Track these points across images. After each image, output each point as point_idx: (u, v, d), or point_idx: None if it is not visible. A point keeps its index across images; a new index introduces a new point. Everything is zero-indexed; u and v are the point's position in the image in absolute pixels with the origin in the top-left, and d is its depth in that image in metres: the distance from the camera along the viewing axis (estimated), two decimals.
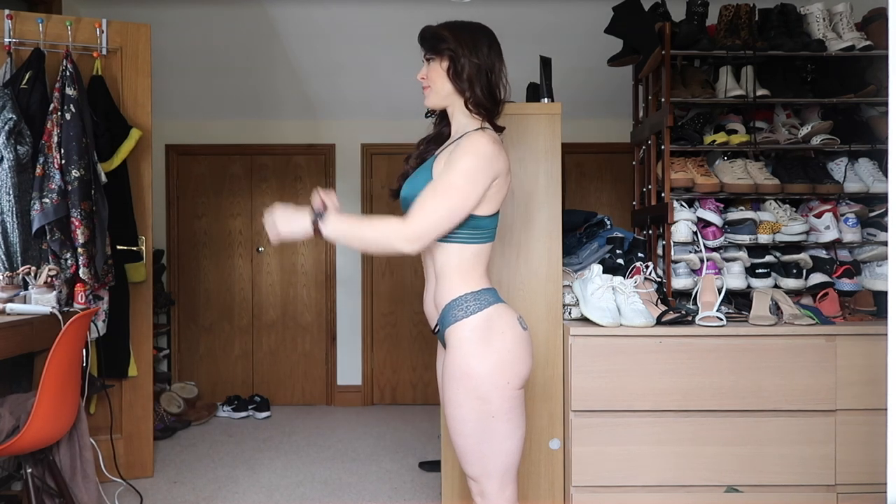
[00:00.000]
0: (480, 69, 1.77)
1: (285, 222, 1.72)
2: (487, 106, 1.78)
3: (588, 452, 2.43)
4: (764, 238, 2.77)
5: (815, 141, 2.84)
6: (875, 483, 2.41)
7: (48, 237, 2.96)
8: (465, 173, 1.67)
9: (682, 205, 2.81)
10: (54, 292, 2.72)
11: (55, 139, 3.00)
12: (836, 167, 2.89)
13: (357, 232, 1.72)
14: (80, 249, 3.00)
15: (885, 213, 2.78)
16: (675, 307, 2.62)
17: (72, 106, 3.03)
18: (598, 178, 5.22)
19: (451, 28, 1.82)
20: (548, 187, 2.50)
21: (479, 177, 1.68)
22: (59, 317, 2.58)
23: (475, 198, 1.69)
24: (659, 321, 2.46)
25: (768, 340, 2.44)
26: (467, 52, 1.77)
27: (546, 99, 2.60)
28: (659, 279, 2.68)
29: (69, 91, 3.05)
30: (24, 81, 3.06)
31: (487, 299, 1.75)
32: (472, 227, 1.74)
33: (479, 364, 1.72)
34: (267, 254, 5.22)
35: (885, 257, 2.74)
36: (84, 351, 2.52)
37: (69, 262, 3.00)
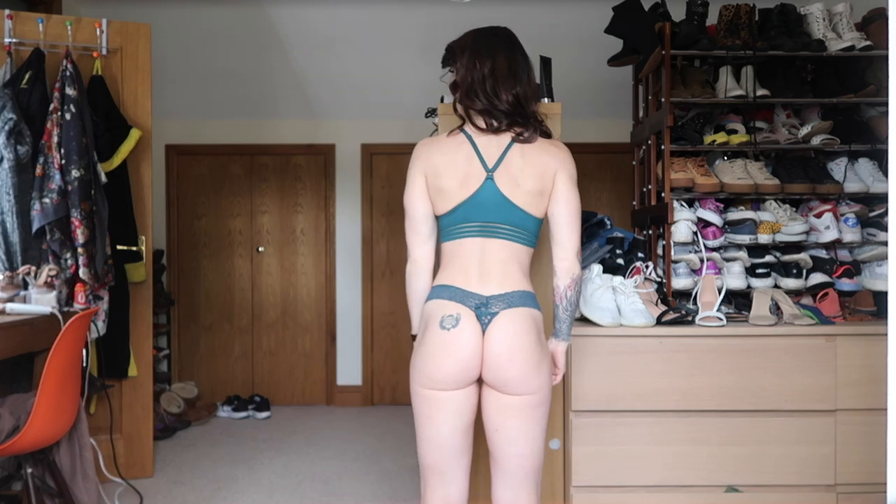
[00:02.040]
0: (459, 78, 1.85)
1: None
2: (458, 112, 1.88)
3: (588, 452, 2.43)
4: (764, 238, 2.77)
5: (815, 141, 2.84)
6: (875, 483, 2.40)
7: (48, 237, 2.96)
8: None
9: (682, 205, 2.81)
10: (54, 292, 2.71)
11: (55, 139, 3.00)
12: (836, 167, 2.89)
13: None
14: (80, 249, 3.00)
15: (885, 213, 2.78)
16: (675, 307, 2.62)
17: (72, 106, 3.03)
18: (598, 178, 5.22)
19: (455, 41, 1.93)
20: None
21: (410, 175, 1.87)
22: (59, 317, 2.58)
23: (411, 194, 1.85)
24: (659, 321, 2.46)
25: (768, 340, 2.44)
26: (456, 63, 1.88)
27: (546, 99, 2.60)
28: (659, 279, 2.68)
29: (69, 91, 3.05)
30: (24, 81, 3.06)
31: (430, 295, 1.83)
32: (440, 226, 1.86)
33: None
34: (267, 254, 5.22)
35: (885, 257, 2.74)
36: (84, 351, 2.52)
37: (69, 262, 3.00)
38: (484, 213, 1.80)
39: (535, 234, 1.86)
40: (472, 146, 1.81)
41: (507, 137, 1.82)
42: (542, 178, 1.81)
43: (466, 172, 1.80)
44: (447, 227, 1.84)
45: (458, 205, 1.80)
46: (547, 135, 1.87)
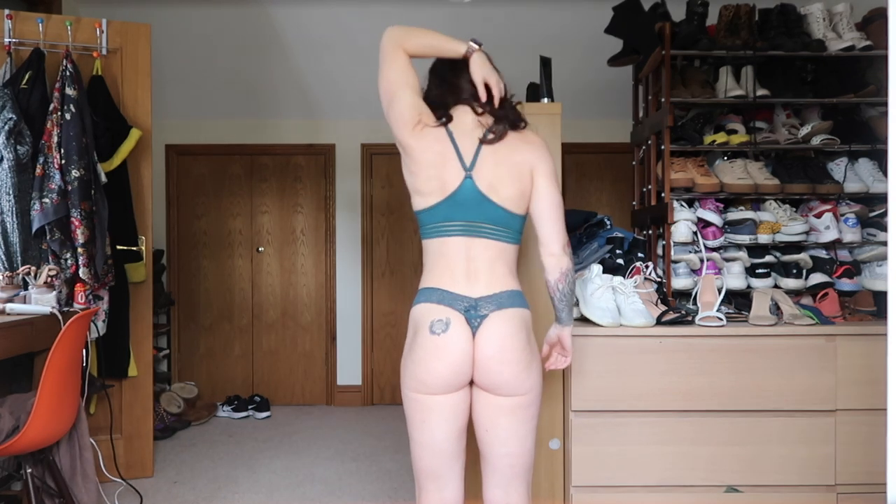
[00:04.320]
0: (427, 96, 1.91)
1: None
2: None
3: (588, 452, 2.43)
4: (764, 238, 2.77)
5: (815, 141, 2.84)
6: (875, 483, 2.41)
7: (48, 237, 2.96)
8: None
9: (682, 205, 2.81)
10: (54, 292, 2.71)
11: (55, 139, 3.00)
12: (836, 167, 2.89)
13: None
14: (80, 249, 3.00)
15: (885, 213, 2.78)
16: (675, 307, 2.62)
17: (72, 106, 3.03)
18: (598, 178, 5.22)
19: None
20: None
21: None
22: (59, 317, 2.58)
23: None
24: (659, 321, 2.46)
25: (768, 340, 2.44)
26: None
27: (546, 99, 2.60)
28: (659, 279, 2.68)
29: (69, 91, 3.05)
30: (24, 81, 3.06)
31: (417, 298, 1.81)
32: (421, 223, 1.84)
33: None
34: (267, 254, 5.22)
35: (885, 257, 2.74)
36: (84, 351, 2.52)
37: (69, 262, 3.00)
38: (465, 212, 1.77)
39: (520, 231, 1.84)
40: (451, 142, 1.79)
41: (478, 134, 1.80)
42: (519, 179, 1.79)
43: (445, 170, 1.77)
44: (429, 224, 1.81)
45: (437, 203, 1.78)
46: (516, 123, 1.83)
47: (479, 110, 1.81)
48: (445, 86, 1.85)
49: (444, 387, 1.74)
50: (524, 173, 1.80)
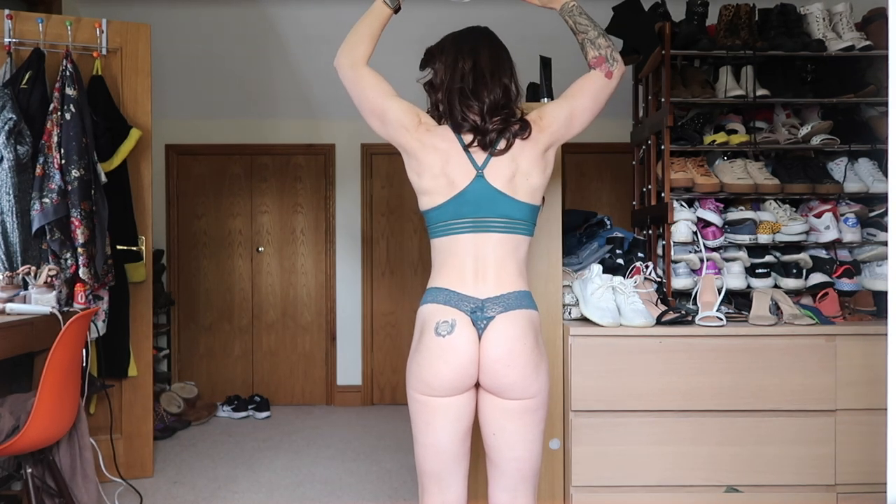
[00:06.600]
0: (438, 78, 1.88)
1: None
2: (438, 111, 1.87)
3: (588, 452, 2.43)
4: (764, 238, 2.77)
5: (815, 141, 2.84)
6: (875, 483, 2.41)
7: (48, 237, 2.96)
8: None
9: (682, 205, 2.82)
10: (54, 292, 2.72)
11: (55, 139, 3.00)
12: (835, 167, 2.89)
13: None
14: (80, 249, 3.00)
15: (885, 213, 2.78)
16: (675, 307, 2.62)
17: (72, 106, 3.04)
18: (598, 178, 5.22)
19: (434, 44, 1.99)
20: (548, 187, 2.50)
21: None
22: (59, 317, 2.58)
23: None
24: (659, 321, 2.46)
25: (768, 340, 2.44)
26: (434, 64, 1.95)
27: (546, 99, 2.61)
28: (659, 279, 2.68)
29: (69, 91, 3.05)
30: (24, 81, 3.07)
31: (424, 298, 1.79)
32: (428, 222, 1.82)
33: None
34: (267, 254, 5.22)
35: (885, 257, 2.74)
36: (84, 351, 2.52)
37: (69, 262, 3.00)
38: (476, 209, 1.74)
39: (534, 221, 1.81)
40: (458, 140, 1.76)
41: (485, 148, 1.77)
42: (544, 160, 1.82)
43: (453, 168, 1.75)
44: (437, 222, 1.77)
45: (445, 201, 1.75)
46: (522, 132, 1.80)
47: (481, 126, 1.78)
48: (448, 114, 1.80)
49: (450, 389, 1.72)
50: (548, 150, 1.83)
